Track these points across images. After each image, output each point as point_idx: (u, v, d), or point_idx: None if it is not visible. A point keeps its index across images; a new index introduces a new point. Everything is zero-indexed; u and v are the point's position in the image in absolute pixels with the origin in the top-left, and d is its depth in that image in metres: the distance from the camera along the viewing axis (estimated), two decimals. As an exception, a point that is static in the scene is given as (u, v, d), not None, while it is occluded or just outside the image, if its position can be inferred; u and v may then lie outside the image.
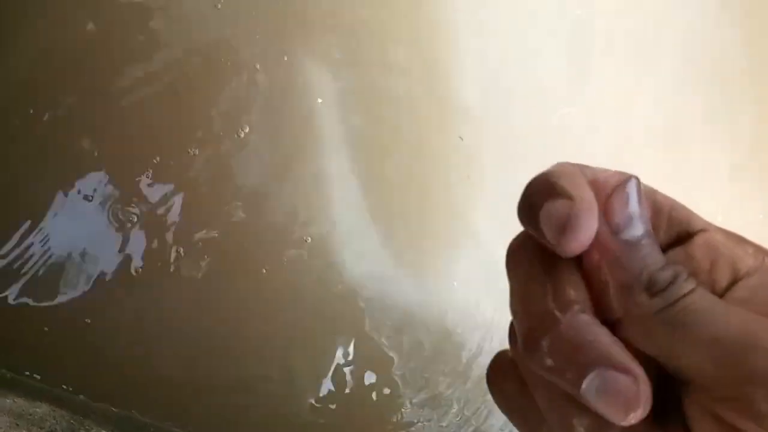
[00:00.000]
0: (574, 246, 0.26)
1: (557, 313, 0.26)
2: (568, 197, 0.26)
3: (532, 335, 0.26)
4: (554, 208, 0.26)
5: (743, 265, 0.27)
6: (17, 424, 1.35)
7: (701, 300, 0.25)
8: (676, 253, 0.28)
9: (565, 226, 0.25)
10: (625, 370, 0.24)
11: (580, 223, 0.25)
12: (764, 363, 0.22)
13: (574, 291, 0.27)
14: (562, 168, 0.28)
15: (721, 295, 0.27)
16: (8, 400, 1.30)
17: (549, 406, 0.27)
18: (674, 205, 0.30)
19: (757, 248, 0.28)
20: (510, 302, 0.29)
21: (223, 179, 1.54)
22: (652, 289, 0.26)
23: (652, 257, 0.27)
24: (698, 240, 0.28)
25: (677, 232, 0.29)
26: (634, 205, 0.27)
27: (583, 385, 0.24)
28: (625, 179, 0.27)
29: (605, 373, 0.24)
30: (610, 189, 0.27)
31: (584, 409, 0.25)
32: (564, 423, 0.26)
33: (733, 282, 0.27)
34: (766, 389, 0.22)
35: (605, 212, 0.27)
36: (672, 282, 0.26)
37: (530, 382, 0.28)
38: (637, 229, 0.27)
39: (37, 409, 1.69)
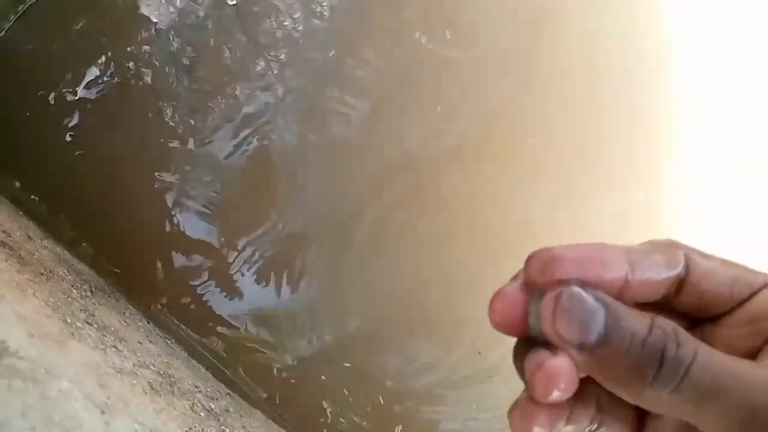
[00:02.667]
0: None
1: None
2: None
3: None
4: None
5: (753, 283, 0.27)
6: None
7: (707, 370, 0.25)
8: (738, 314, 0.28)
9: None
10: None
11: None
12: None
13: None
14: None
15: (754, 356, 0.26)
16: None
17: None
18: (737, 277, 0.29)
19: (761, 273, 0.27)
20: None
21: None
22: (647, 379, 0.25)
23: (629, 334, 0.26)
24: (760, 296, 0.28)
25: (741, 299, 0.28)
26: (579, 312, 0.26)
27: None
28: (556, 295, 0.27)
29: None
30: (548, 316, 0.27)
31: None
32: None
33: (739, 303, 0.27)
34: None
35: (558, 336, 0.27)
36: (662, 360, 0.25)
37: None
38: (594, 330, 0.26)
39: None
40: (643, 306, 0.28)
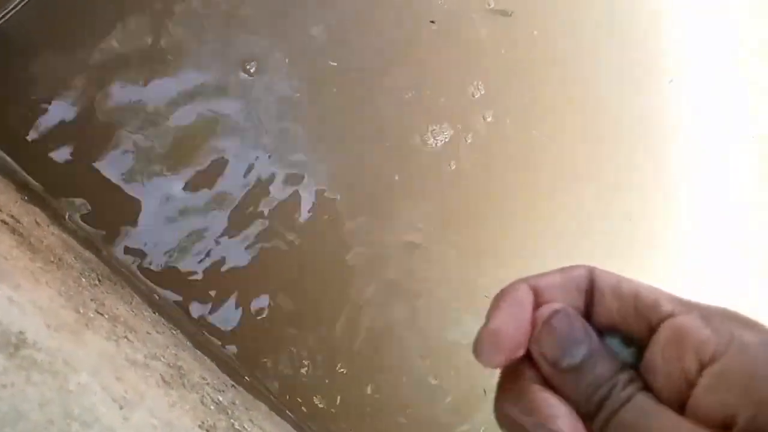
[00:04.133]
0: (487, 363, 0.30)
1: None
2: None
3: None
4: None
5: (707, 350, 0.27)
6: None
7: (633, 411, 0.27)
8: (652, 343, 0.29)
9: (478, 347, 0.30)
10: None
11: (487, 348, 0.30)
12: None
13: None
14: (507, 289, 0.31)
15: (693, 383, 0.27)
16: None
17: None
18: (639, 293, 0.30)
19: (725, 322, 0.28)
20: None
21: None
22: (590, 411, 0.28)
23: (593, 378, 0.29)
24: (664, 328, 0.29)
25: (647, 319, 0.30)
26: (563, 337, 0.29)
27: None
28: (550, 314, 0.30)
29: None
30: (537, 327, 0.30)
31: None
32: None
33: (701, 368, 0.27)
34: None
35: (538, 349, 0.29)
36: (606, 397, 0.28)
37: None
38: (575, 356, 0.29)
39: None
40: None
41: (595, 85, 2.44)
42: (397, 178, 2.23)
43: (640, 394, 0.28)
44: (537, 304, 0.31)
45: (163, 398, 1.24)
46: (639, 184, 2.42)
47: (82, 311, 1.36)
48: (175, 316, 2.08)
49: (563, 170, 2.37)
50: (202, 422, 1.30)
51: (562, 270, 0.31)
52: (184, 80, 2.15)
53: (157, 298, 2.05)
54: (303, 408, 2.13)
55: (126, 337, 1.43)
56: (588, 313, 0.31)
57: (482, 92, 2.34)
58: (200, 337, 2.09)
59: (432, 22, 2.30)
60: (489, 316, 0.30)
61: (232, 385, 1.90)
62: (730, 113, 2.49)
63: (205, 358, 1.94)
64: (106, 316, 1.46)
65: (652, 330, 0.30)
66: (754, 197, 2.49)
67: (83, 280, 1.60)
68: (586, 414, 0.28)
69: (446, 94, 2.30)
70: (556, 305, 0.30)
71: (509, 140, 2.33)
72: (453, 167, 2.28)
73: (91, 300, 1.50)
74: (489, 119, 2.32)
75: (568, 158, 2.38)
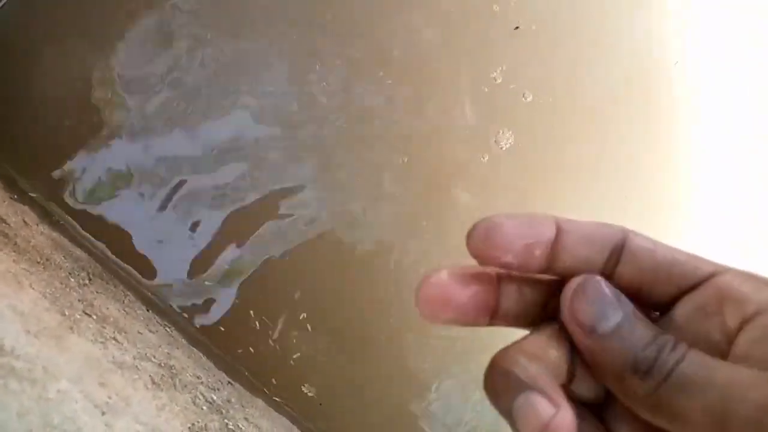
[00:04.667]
0: None
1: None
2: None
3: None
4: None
5: (751, 304, 0.27)
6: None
7: (689, 367, 0.26)
8: (684, 303, 0.29)
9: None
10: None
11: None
12: (744, 427, 0.23)
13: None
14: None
15: (733, 338, 0.27)
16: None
17: None
18: (676, 257, 0.30)
19: (765, 280, 0.27)
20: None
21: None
22: (640, 372, 0.27)
23: (633, 340, 0.27)
24: (707, 285, 0.29)
25: (681, 284, 0.29)
26: (598, 301, 0.28)
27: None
28: (584, 281, 0.29)
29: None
30: (569, 298, 0.29)
31: None
32: None
33: (743, 323, 0.27)
34: None
35: (572, 317, 0.28)
36: (657, 358, 0.27)
37: None
38: (611, 320, 0.28)
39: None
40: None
41: (598, 69, 2.38)
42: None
43: (693, 351, 0.27)
44: (553, 247, 0.29)
45: (151, 402, 1.21)
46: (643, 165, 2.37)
47: (67, 313, 1.33)
48: (169, 313, 2.05)
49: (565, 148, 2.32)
50: (193, 424, 1.28)
51: (597, 223, 0.30)
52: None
53: (150, 294, 2.03)
54: (302, 398, 2.11)
55: (115, 338, 1.40)
56: (605, 274, 0.30)
57: (504, 72, 2.29)
58: (195, 332, 2.07)
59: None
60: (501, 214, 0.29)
61: (229, 383, 1.88)
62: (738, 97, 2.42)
63: (201, 355, 1.91)
64: (95, 317, 1.43)
65: (680, 295, 0.29)
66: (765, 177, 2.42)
67: (72, 280, 1.58)
68: (632, 376, 0.27)
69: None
70: (585, 275, 0.29)
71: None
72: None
73: (79, 301, 1.47)
74: (486, 89, 2.27)
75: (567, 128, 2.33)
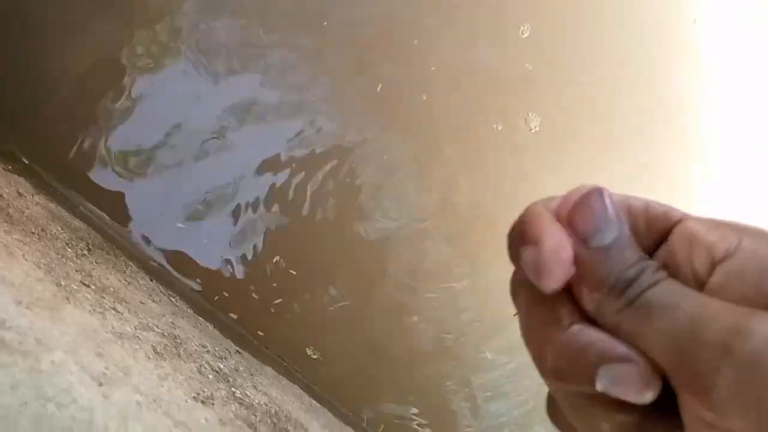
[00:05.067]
0: (548, 286, 0.28)
1: (553, 332, 0.28)
2: (535, 243, 0.28)
3: (540, 356, 0.29)
4: (526, 255, 0.28)
5: (718, 250, 0.28)
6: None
7: (661, 292, 0.27)
8: (661, 250, 0.30)
9: (537, 271, 0.28)
10: (623, 359, 0.26)
11: (549, 269, 0.28)
12: (709, 353, 0.23)
13: (563, 307, 0.29)
14: (531, 211, 0.30)
15: (704, 282, 0.28)
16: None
17: (576, 416, 0.29)
18: (648, 206, 0.31)
19: (733, 229, 0.28)
20: (520, 331, 0.31)
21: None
22: (615, 291, 0.27)
23: (621, 259, 0.28)
24: (676, 232, 0.30)
25: (657, 229, 0.31)
26: (599, 215, 0.29)
27: (598, 385, 0.26)
28: (586, 192, 0.29)
29: (610, 368, 0.26)
30: (572, 204, 0.29)
31: (604, 411, 0.27)
32: (592, 429, 0.28)
33: (712, 267, 0.28)
34: (715, 368, 0.23)
35: (571, 224, 0.29)
36: (635, 278, 0.27)
37: (560, 401, 0.30)
38: (607, 237, 0.28)
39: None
40: None
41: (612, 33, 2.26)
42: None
43: (670, 279, 0.28)
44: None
45: (152, 371, 1.17)
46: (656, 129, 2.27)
47: (63, 283, 1.28)
48: (175, 283, 2.01)
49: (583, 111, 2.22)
50: (198, 393, 1.24)
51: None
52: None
53: (155, 264, 1.98)
54: (310, 364, 2.08)
55: (114, 308, 1.35)
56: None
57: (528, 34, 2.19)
58: (203, 302, 2.03)
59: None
60: (533, 237, 0.29)
61: (237, 351, 1.84)
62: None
63: (207, 324, 1.87)
64: (93, 288, 1.39)
65: (660, 242, 0.30)
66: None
67: (69, 250, 1.53)
68: (607, 293, 0.28)
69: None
70: (596, 185, 0.30)
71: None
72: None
73: (77, 271, 1.42)
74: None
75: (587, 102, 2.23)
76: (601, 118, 2.24)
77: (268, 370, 1.92)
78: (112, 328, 1.23)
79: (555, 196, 0.32)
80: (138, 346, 1.24)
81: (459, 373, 2.13)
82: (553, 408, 0.32)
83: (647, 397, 0.26)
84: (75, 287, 1.30)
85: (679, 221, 0.30)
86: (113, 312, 1.32)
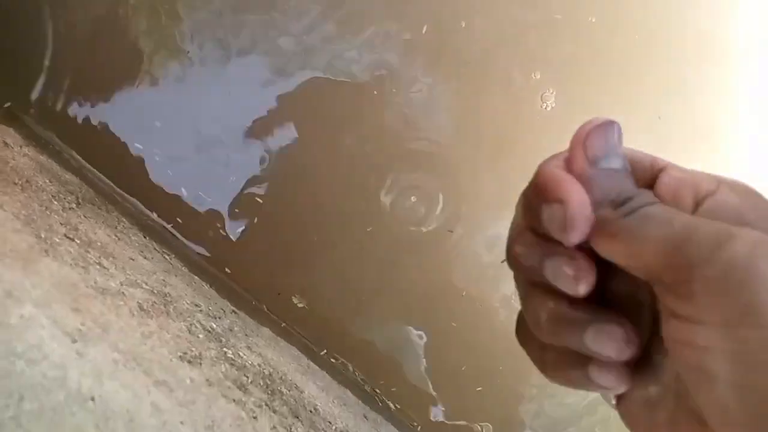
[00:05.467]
0: (574, 238, 0.31)
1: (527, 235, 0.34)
2: (560, 201, 0.31)
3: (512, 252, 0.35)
4: (551, 211, 0.31)
5: (703, 188, 0.32)
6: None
7: (657, 208, 0.31)
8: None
9: (565, 226, 0.31)
10: (565, 254, 0.31)
11: (576, 224, 0.31)
12: (699, 251, 0.27)
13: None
14: (548, 172, 0.33)
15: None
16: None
17: (524, 306, 0.34)
18: (634, 155, 0.35)
19: (713, 176, 0.33)
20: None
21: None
22: (615, 203, 0.32)
23: (624, 184, 0.33)
24: (662, 177, 0.34)
25: (645, 175, 0.34)
26: (611, 142, 0.33)
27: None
28: (606, 122, 0.33)
29: (554, 259, 0.31)
30: (588, 130, 0.33)
31: (543, 298, 0.32)
32: (534, 308, 0.33)
33: (697, 204, 0.31)
34: (702, 262, 0.26)
35: (585, 146, 0.33)
36: (635, 197, 0.32)
37: (518, 290, 0.35)
38: (613, 163, 0.33)
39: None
40: None
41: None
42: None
43: (664, 204, 0.31)
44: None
45: (135, 329, 1.11)
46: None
47: (44, 236, 1.21)
48: (171, 240, 1.96)
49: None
50: (185, 352, 1.18)
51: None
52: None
53: (149, 222, 1.92)
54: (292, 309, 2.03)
55: (100, 263, 1.29)
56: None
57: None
58: (199, 260, 1.97)
59: None
60: (558, 193, 0.31)
61: (233, 311, 1.79)
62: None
63: (203, 283, 1.82)
64: (78, 242, 1.32)
65: (647, 187, 0.34)
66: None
67: (55, 203, 1.46)
68: (607, 206, 0.31)
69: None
70: (609, 119, 0.33)
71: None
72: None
73: (61, 224, 1.36)
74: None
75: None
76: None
77: (265, 331, 1.87)
78: (95, 282, 1.17)
79: (558, 153, 0.34)
80: (122, 303, 1.18)
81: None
82: (520, 328, 0.35)
83: (581, 289, 0.30)
84: (57, 240, 1.24)
85: (664, 168, 0.34)
86: (97, 267, 1.26)
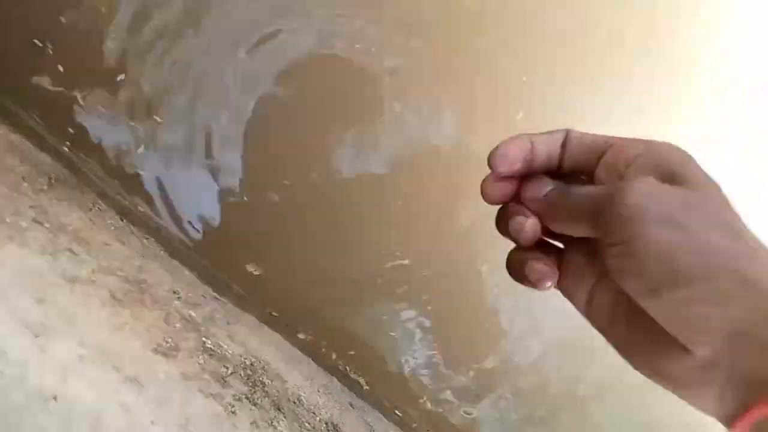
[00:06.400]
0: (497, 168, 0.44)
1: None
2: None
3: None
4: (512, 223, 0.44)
5: (630, 154, 0.40)
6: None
7: (572, 190, 0.41)
8: (599, 167, 0.42)
9: (522, 229, 0.43)
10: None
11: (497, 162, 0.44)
12: (601, 209, 0.38)
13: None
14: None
15: (622, 176, 0.41)
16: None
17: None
18: (595, 137, 0.44)
19: (644, 140, 0.41)
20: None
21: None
22: (545, 195, 0.44)
23: (543, 183, 0.45)
24: (608, 151, 0.42)
25: (596, 153, 0.43)
26: (540, 184, 0.44)
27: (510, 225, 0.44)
28: (530, 182, 0.44)
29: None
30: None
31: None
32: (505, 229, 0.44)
33: (627, 167, 0.40)
34: (606, 221, 0.37)
35: (525, 200, 0.44)
36: (554, 188, 0.43)
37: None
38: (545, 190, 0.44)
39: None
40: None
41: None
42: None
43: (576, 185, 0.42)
44: (534, 145, 0.44)
45: (105, 321, 1.05)
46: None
47: (9, 220, 1.14)
48: (150, 223, 1.88)
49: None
50: (159, 344, 1.12)
51: (549, 132, 0.45)
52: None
53: (127, 203, 1.85)
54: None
55: (70, 249, 1.23)
56: (562, 158, 0.44)
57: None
58: (180, 244, 1.90)
59: None
60: (500, 144, 0.43)
61: (215, 297, 1.73)
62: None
63: (183, 268, 1.75)
64: (47, 225, 1.25)
65: (597, 163, 0.42)
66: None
67: (25, 185, 1.39)
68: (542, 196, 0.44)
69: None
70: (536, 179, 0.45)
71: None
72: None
73: (30, 207, 1.29)
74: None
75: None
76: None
77: (249, 318, 1.82)
78: (63, 271, 1.11)
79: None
80: (93, 291, 1.12)
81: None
82: (498, 219, 0.45)
83: (526, 244, 0.43)
84: (24, 225, 1.17)
85: (613, 142, 0.41)
86: (68, 253, 1.19)
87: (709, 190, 0.38)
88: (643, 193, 0.37)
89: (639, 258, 0.36)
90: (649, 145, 0.40)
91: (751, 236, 0.36)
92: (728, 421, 0.34)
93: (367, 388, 1.98)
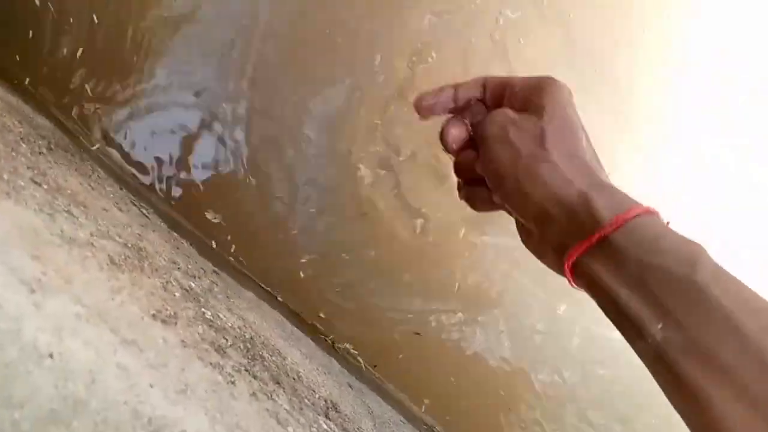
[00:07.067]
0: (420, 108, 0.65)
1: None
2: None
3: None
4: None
5: (510, 84, 0.60)
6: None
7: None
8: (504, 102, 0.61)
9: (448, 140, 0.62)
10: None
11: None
12: (481, 131, 0.59)
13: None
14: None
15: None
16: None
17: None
18: (503, 78, 0.60)
19: (525, 78, 0.58)
20: None
21: None
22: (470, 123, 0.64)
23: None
24: (507, 88, 0.60)
25: (501, 90, 0.61)
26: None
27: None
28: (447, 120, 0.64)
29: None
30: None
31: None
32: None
33: (508, 100, 0.61)
34: (482, 141, 0.58)
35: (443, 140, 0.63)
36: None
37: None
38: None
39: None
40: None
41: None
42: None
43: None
44: (457, 91, 0.62)
45: (103, 282, 1.01)
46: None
47: (6, 177, 1.11)
48: (150, 195, 1.85)
49: None
50: (158, 311, 1.09)
51: (473, 78, 0.60)
52: None
53: (125, 176, 1.81)
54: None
55: (69, 211, 1.19)
56: (485, 97, 0.61)
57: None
58: (179, 219, 1.87)
59: None
60: (425, 96, 0.62)
61: (214, 271, 1.69)
62: None
63: (183, 241, 1.72)
64: (45, 187, 1.22)
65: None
66: None
67: (23, 146, 1.35)
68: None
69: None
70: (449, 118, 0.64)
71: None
72: None
73: (28, 168, 1.25)
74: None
75: None
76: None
77: (249, 294, 1.79)
78: (61, 231, 1.07)
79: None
80: (90, 254, 1.08)
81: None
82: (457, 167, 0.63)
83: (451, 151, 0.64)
84: (21, 183, 1.13)
85: (508, 82, 0.60)
86: (65, 214, 1.15)
87: (555, 118, 0.49)
88: (494, 120, 0.53)
89: (485, 166, 0.53)
90: (526, 80, 0.55)
91: (575, 157, 0.47)
92: (564, 274, 0.48)
93: (367, 369, 1.96)
